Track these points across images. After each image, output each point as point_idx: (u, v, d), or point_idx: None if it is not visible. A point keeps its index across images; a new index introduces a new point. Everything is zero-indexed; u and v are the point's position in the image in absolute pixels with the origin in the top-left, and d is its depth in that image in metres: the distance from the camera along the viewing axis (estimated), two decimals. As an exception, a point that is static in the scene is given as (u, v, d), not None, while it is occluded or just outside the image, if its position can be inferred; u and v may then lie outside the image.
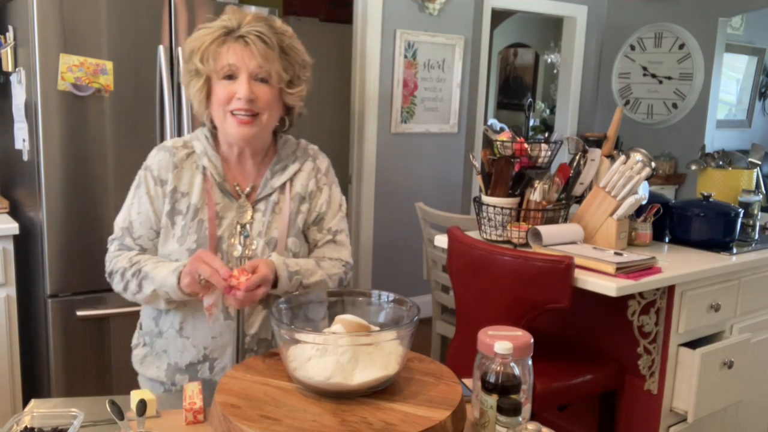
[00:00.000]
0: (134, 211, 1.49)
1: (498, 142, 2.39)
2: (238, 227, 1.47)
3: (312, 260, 1.50)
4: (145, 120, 2.62)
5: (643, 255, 2.17)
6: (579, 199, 2.48)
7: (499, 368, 1.16)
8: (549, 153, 2.39)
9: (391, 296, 1.36)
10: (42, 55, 2.39)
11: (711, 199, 2.48)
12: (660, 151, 5.06)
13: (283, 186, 1.51)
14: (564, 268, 2.01)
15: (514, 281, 2.08)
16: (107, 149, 2.55)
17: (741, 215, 2.45)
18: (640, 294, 2.13)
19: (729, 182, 2.72)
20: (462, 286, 2.30)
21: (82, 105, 2.48)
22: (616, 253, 2.17)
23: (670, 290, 2.17)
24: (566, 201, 2.41)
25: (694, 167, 2.84)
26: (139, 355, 1.56)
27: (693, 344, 2.24)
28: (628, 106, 5.30)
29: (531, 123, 7.72)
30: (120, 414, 1.14)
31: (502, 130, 2.57)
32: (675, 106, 5.05)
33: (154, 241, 1.48)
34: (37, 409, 1.23)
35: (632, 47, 5.25)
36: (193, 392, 1.24)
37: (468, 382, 1.34)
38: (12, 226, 2.54)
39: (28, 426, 1.13)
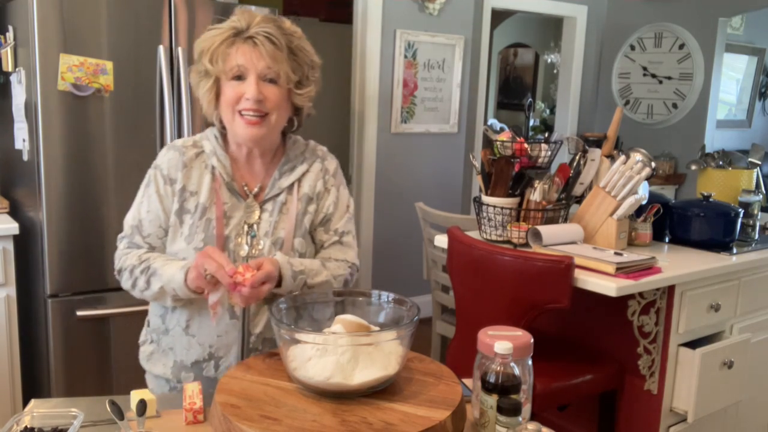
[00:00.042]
0: (144, 209, 1.50)
1: (498, 142, 2.39)
2: (246, 227, 1.47)
3: (317, 261, 1.51)
4: (145, 120, 2.62)
5: (643, 255, 2.17)
6: (579, 199, 2.48)
7: (499, 368, 1.16)
8: (549, 153, 2.39)
9: (391, 296, 1.36)
10: (42, 55, 2.39)
11: (711, 199, 2.48)
12: (660, 151, 5.06)
13: (291, 186, 1.52)
14: (564, 268, 2.01)
15: (514, 281, 2.08)
16: (107, 149, 2.55)
17: (741, 215, 2.45)
18: (640, 294, 2.13)
19: (729, 182, 2.72)
20: (462, 286, 2.30)
21: (82, 105, 2.48)
22: (616, 253, 2.17)
23: (670, 290, 2.17)
24: (566, 201, 2.41)
25: (694, 167, 2.84)
26: (146, 352, 1.57)
27: (693, 344, 2.24)
28: (628, 106, 5.30)
29: (531, 123, 7.71)
30: (120, 414, 1.14)
31: (502, 130, 2.57)
32: (675, 106, 5.06)
33: (163, 240, 1.50)
34: (37, 409, 1.23)
35: (632, 47, 5.25)
36: (193, 392, 1.24)
37: (468, 382, 1.34)
38: (12, 226, 2.54)
39: (28, 426, 1.13)
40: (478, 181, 2.43)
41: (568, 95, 5.36)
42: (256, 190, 1.51)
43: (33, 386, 2.74)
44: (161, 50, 2.60)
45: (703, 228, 2.42)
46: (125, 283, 1.50)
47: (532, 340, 1.24)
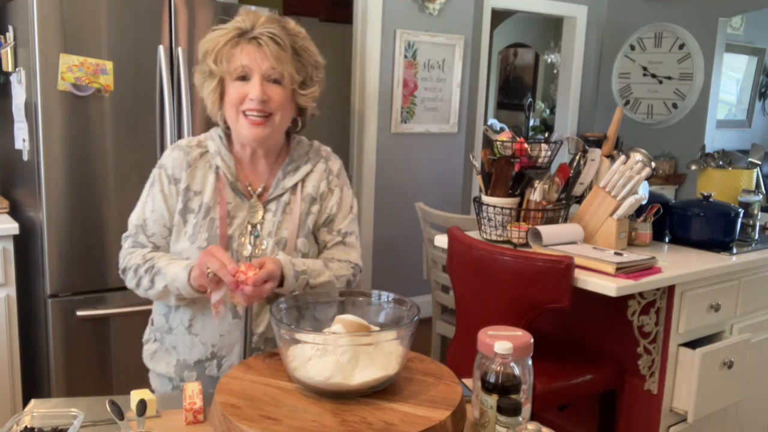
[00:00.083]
0: (148, 208, 1.50)
1: (498, 142, 2.39)
2: (249, 227, 1.48)
3: (320, 261, 1.51)
4: (145, 120, 2.62)
5: (643, 255, 2.17)
6: (579, 199, 2.48)
7: (499, 368, 1.16)
8: (549, 153, 2.39)
9: (391, 296, 1.37)
10: (42, 55, 2.39)
11: (711, 199, 2.48)
12: (660, 151, 5.06)
13: (294, 187, 1.52)
14: (564, 268, 2.01)
15: (514, 281, 2.08)
16: (107, 149, 2.55)
17: (741, 215, 2.45)
18: (640, 294, 2.13)
19: (729, 182, 2.72)
20: (462, 286, 2.30)
21: (82, 105, 2.48)
22: (616, 253, 2.17)
23: (670, 290, 2.17)
24: (566, 201, 2.41)
25: (694, 167, 2.84)
26: (149, 350, 1.58)
27: (693, 344, 2.24)
28: (628, 106, 5.30)
29: (531, 123, 7.72)
30: (120, 414, 1.14)
31: (502, 130, 2.57)
32: (675, 106, 5.05)
33: (168, 239, 1.50)
34: (37, 409, 1.23)
35: (632, 47, 5.25)
36: (193, 392, 1.24)
37: (468, 382, 1.34)
38: (12, 226, 2.54)
39: (28, 426, 1.13)
40: (478, 181, 2.43)
41: (568, 95, 5.36)
42: (259, 190, 1.51)
43: (33, 386, 2.74)
44: (161, 50, 2.60)
45: (703, 228, 2.42)
46: (129, 282, 1.50)
47: (532, 340, 1.24)
